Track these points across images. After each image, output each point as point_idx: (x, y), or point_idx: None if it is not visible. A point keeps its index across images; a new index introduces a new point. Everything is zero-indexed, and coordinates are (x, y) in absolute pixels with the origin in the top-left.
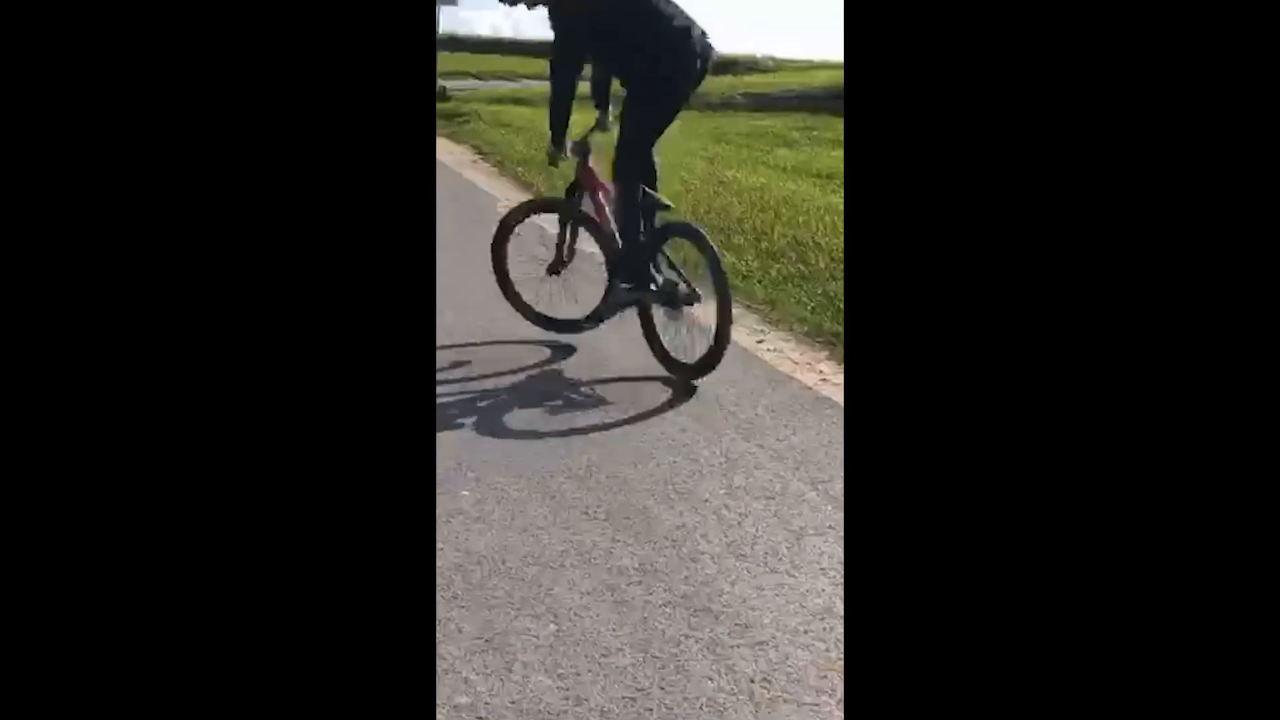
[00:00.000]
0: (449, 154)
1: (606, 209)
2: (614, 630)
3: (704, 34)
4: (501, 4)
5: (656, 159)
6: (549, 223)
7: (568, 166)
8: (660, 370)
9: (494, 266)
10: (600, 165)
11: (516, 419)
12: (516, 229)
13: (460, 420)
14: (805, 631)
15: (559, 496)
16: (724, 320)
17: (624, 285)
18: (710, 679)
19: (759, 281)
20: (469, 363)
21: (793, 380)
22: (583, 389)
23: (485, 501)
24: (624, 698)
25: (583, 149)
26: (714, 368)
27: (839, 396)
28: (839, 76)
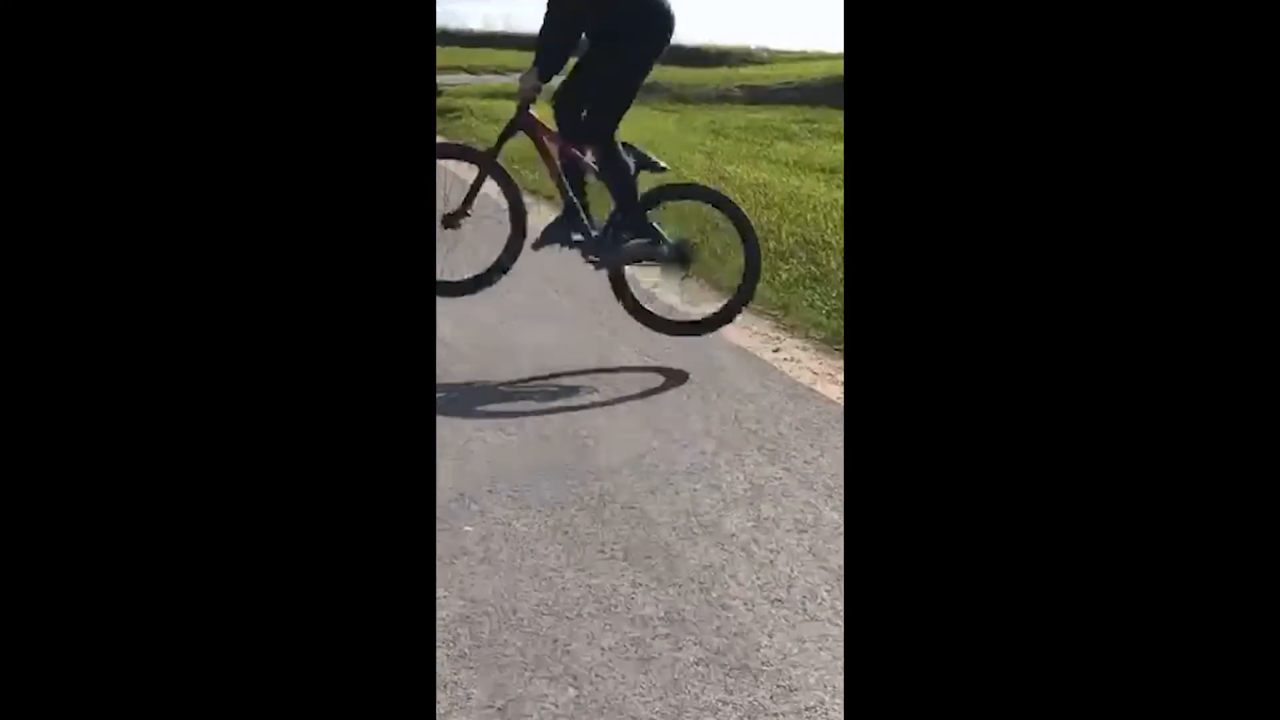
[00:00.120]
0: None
1: (553, 152)
2: (641, 695)
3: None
4: None
5: (647, 153)
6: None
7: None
8: (673, 389)
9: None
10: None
11: (519, 441)
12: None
13: (457, 443)
14: None
15: (571, 532)
16: (751, 280)
17: (636, 240)
18: None
19: (769, 284)
20: (465, 379)
21: (814, 393)
22: (588, 405)
23: (491, 539)
24: None
25: (529, 94)
26: (729, 321)
27: None
28: (838, 68)
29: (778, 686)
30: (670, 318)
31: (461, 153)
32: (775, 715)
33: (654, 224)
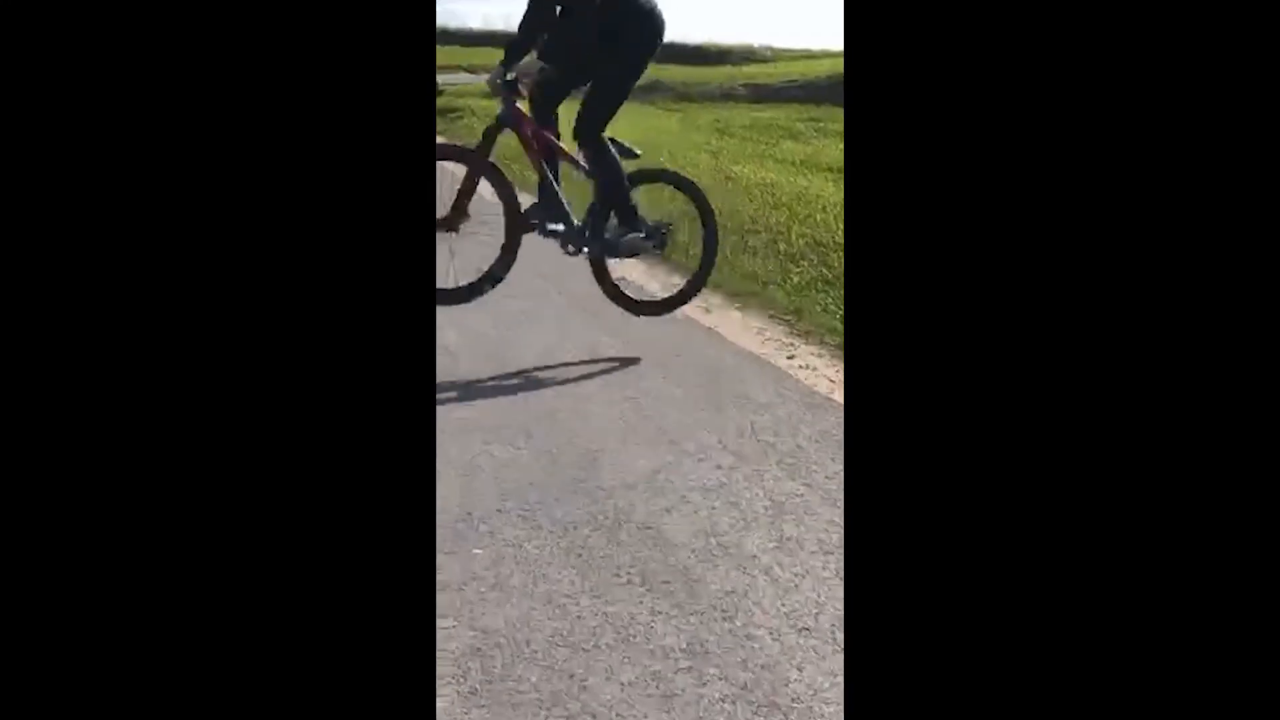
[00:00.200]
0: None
1: (535, 147)
2: None
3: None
4: None
5: (622, 141)
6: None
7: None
8: (691, 398)
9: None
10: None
11: (528, 454)
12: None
13: (462, 455)
14: None
15: (586, 554)
16: (708, 263)
17: (631, 235)
18: None
19: (780, 288)
20: (469, 387)
21: (831, 402)
22: (599, 414)
23: (502, 562)
24: None
25: (514, 88)
26: (685, 303)
27: None
28: (842, 66)
29: None
30: (639, 298)
31: (460, 154)
32: None
33: (643, 218)
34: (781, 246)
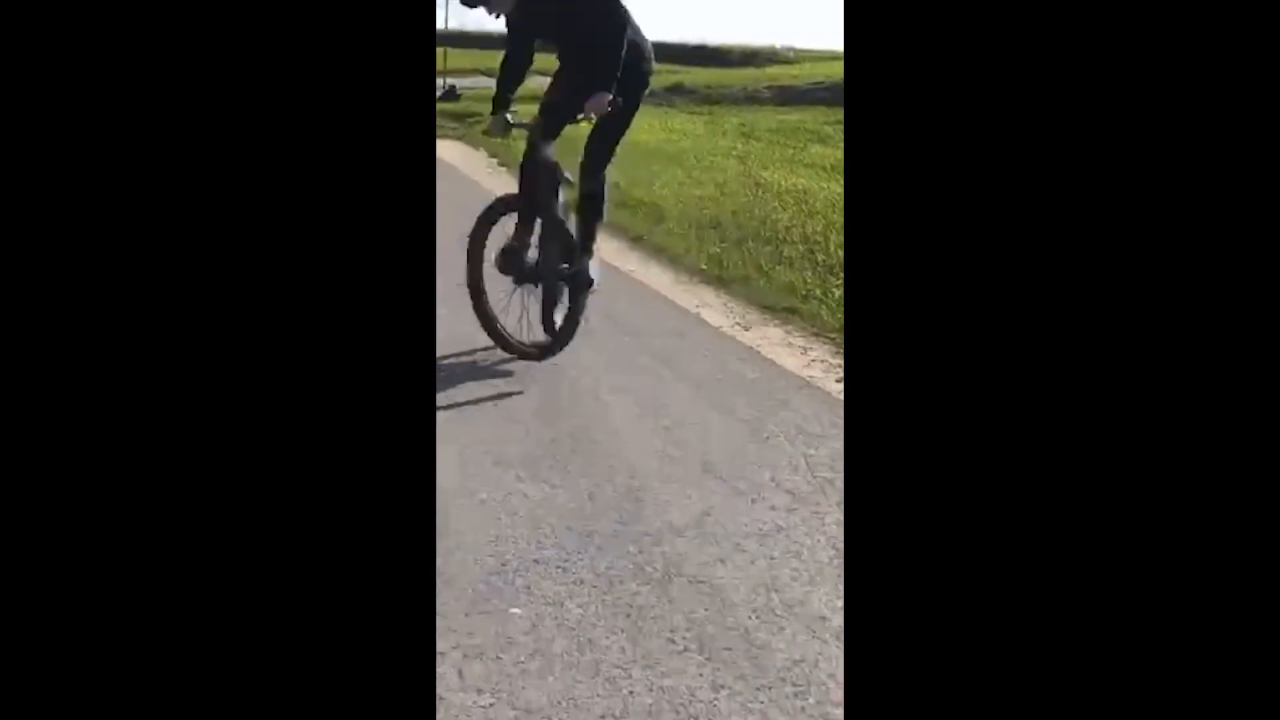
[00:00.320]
0: (464, 159)
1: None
2: None
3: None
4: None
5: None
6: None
7: None
8: (740, 434)
9: (469, 270)
10: None
11: (564, 497)
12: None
13: (489, 497)
14: None
15: (634, 614)
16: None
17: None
18: None
19: (822, 303)
20: (490, 416)
21: None
22: (636, 450)
23: (542, 623)
24: None
25: (507, 124)
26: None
27: None
28: None
29: None
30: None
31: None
32: None
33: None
34: (820, 257)
